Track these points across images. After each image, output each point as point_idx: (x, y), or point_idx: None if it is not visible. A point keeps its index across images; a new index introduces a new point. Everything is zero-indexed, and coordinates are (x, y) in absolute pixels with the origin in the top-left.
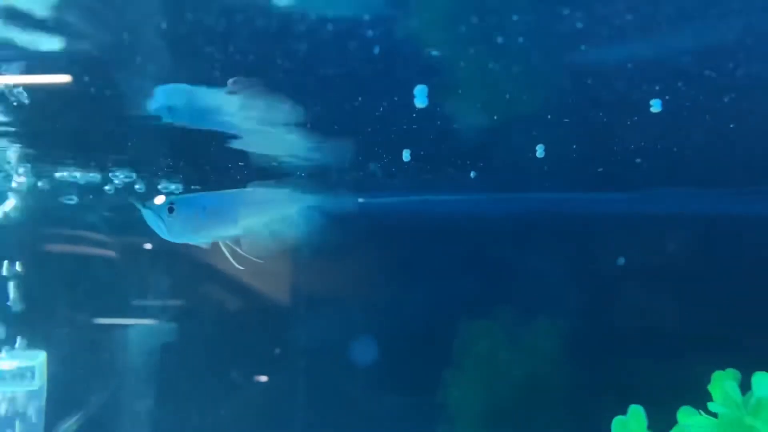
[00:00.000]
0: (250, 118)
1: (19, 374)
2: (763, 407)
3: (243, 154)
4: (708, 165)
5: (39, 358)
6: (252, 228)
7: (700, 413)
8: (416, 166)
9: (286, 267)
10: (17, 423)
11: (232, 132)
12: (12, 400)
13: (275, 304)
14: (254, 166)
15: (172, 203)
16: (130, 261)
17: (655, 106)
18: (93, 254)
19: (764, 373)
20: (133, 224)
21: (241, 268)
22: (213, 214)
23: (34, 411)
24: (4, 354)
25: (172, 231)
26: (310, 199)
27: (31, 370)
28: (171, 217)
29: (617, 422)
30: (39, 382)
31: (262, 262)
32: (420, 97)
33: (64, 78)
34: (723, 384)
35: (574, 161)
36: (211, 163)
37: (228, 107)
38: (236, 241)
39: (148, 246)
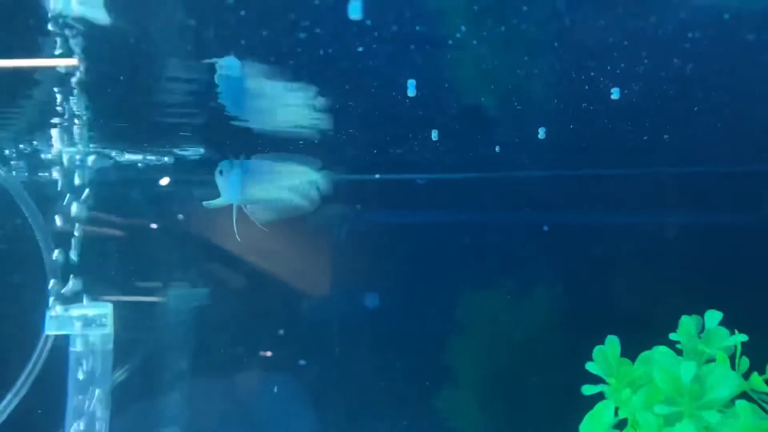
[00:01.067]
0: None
1: (94, 319)
2: (711, 335)
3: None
4: None
5: (108, 309)
6: (271, 194)
7: None
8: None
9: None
10: (91, 359)
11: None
12: (87, 340)
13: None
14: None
15: (231, 167)
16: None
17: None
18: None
19: (715, 310)
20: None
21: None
22: (257, 177)
23: (104, 352)
24: (84, 303)
25: (234, 190)
26: (313, 174)
27: (104, 316)
28: (234, 178)
29: (597, 351)
30: (109, 328)
31: (266, 230)
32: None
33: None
34: (683, 321)
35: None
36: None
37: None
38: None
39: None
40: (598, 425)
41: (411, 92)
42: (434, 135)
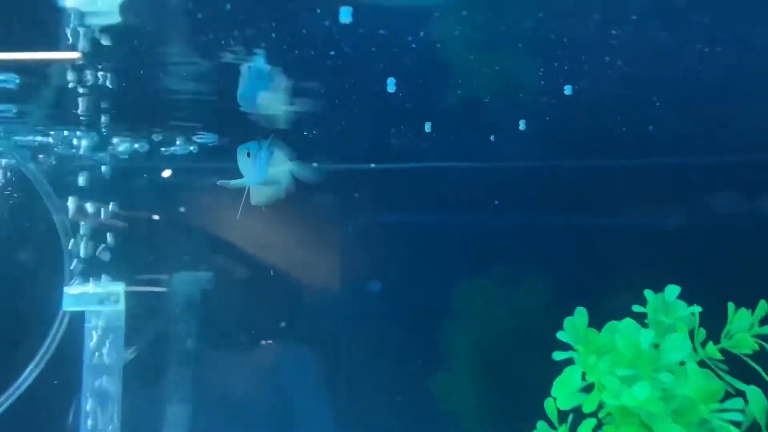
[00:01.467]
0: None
1: (107, 297)
2: (671, 307)
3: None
4: None
5: (120, 288)
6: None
7: None
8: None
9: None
10: (104, 334)
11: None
12: (100, 316)
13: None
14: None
15: (249, 151)
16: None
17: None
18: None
19: (674, 285)
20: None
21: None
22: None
23: (116, 328)
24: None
25: (259, 171)
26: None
27: (116, 294)
28: (260, 159)
29: (567, 321)
30: (121, 305)
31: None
32: None
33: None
34: (647, 294)
35: None
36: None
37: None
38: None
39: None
40: (567, 388)
41: (391, 89)
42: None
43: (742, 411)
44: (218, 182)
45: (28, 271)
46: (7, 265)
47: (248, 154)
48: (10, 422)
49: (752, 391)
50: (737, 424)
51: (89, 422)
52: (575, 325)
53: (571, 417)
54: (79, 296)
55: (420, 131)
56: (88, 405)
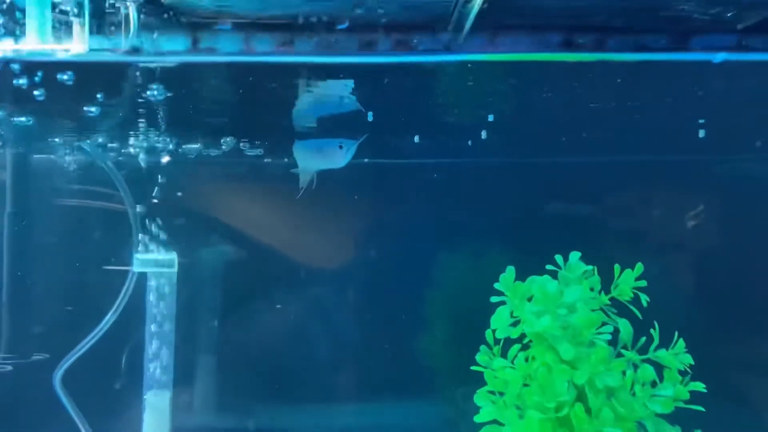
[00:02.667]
0: None
1: (163, 261)
2: (572, 266)
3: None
4: None
5: (174, 255)
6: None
7: None
8: None
9: None
10: (161, 294)
11: None
12: (157, 277)
13: None
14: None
15: (341, 144)
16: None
17: None
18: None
19: (576, 251)
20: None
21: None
22: None
23: (171, 289)
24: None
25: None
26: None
27: (171, 259)
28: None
29: (501, 277)
30: (175, 269)
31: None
32: None
33: None
34: (557, 258)
35: None
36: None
37: None
38: None
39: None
40: (500, 322)
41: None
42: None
43: (611, 333)
44: (292, 171)
45: (110, 241)
46: (95, 237)
47: (340, 146)
48: (93, 358)
49: (623, 323)
50: (609, 342)
51: (151, 356)
52: (506, 278)
53: (501, 343)
54: (144, 260)
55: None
56: (151, 346)
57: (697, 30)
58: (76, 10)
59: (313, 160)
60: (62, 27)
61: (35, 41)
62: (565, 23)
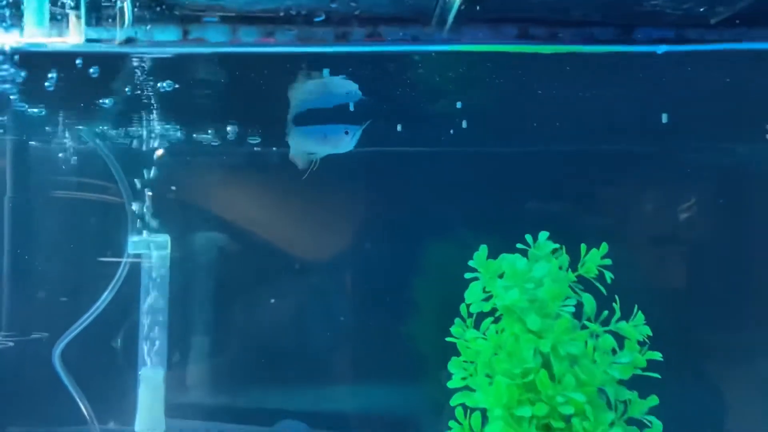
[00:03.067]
0: None
1: (158, 242)
2: (541, 245)
3: None
4: None
5: (167, 238)
6: None
7: None
8: None
9: None
10: (155, 274)
11: None
12: (152, 257)
13: None
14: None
15: (347, 130)
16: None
17: None
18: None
19: (544, 231)
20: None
21: None
22: None
23: (164, 270)
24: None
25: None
26: None
27: (165, 241)
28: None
29: (475, 255)
30: (167, 251)
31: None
32: None
33: None
34: (527, 238)
35: None
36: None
37: None
38: None
39: None
40: (474, 296)
41: None
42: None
43: (576, 307)
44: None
45: (107, 226)
46: (92, 221)
47: (346, 132)
48: (95, 326)
49: (586, 297)
50: (574, 315)
51: (145, 327)
52: (480, 256)
53: (474, 316)
54: (138, 242)
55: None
56: (145, 318)
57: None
58: (72, 3)
59: (318, 145)
60: (62, 19)
61: (33, 32)
62: (550, 17)
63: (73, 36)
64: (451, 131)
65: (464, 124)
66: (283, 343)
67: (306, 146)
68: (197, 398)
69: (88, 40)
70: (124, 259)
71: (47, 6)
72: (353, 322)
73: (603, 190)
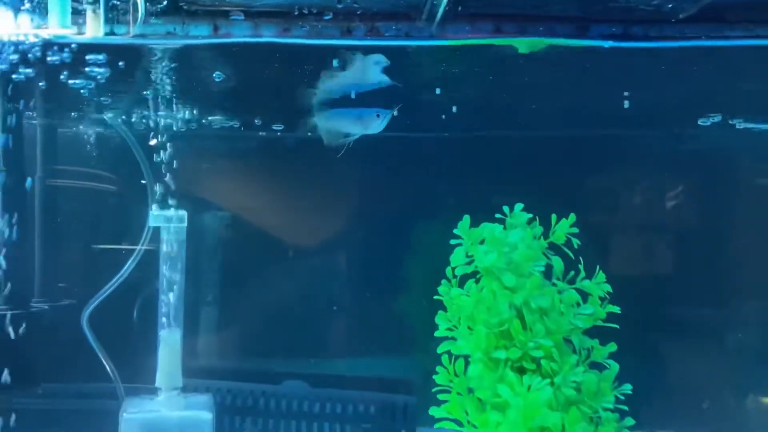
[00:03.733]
0: None
1: (177, 218)
2: (515, 215)
3: None
4: None
5: (185, 213)
6: None
7: None
8: None
9: None
10: (172, 245)
11: None
12: (170, 230)
13: None
14: None
15: (378, 113)
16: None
17: None
18: None
19: (519, 203)
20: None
21: None
22: None
23: (181, 242)
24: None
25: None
26: None
27: (183, 216)
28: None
29: (459, 224)
30: (185, 224)
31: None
32: None
33: None
34: (505, 209)
35: None
36: None
37: None
38: None
39: None
40: (458, 260)
41: None
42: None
43: (544, 266)
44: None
45: (129, 199)
46: (117, 196)
47: (378, 115)
48: (119, 292)
49: (556, 260)
50: (544, 274)
51: (164, 294)
52: (463, 225)
53: (458, 278)
54: (158, 216)
55: None
56: (163, 286)
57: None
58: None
59: (352, 125)
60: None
61: (57, 26)
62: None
63: (92, 29)
64: (443, 116)
65: (454, 109)
66: (287, 313)
67: (340, 127)
68: (210, 360)
69: (107, 34)
70: (145, 231)
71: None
72: (350, 295)
73: (573, 170)
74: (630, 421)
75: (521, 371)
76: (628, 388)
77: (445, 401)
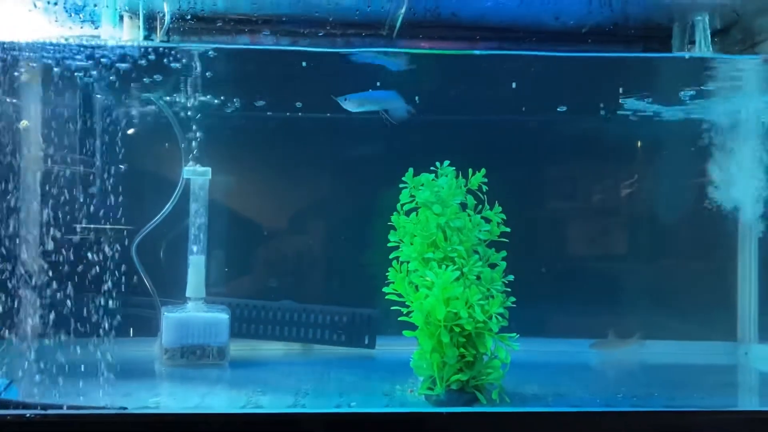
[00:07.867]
0: None
1: (203, 172)
2: (444, 169)
3: None
4: None
5: (209, 170)
6: None
7: None
8: None
9: None
10: (199, 192)
11: None
12: (197, 181)
13: None
14: None
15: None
16: None
17: None
18: None
19: (447, 160)
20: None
21: None
22: None
23: (205, 190)
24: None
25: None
26: None
27: (207, 170)
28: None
29: (406, 175)
30: (209, 176)
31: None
32: None
33: None
34: (438, 165)
35: None
36: None
37: None
38: None
39: None
40: (405, 198)
41: None
42: None
43: (461, 201)
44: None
45: (170, 158)
46: (164, 155)
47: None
48: (160, 226)
49: (469, 198)
50: (460, 206)
51: (193, 228)
52: (408, 175)
53: (404, 210)
54: (189, 170)
55: None
56: (192, 221)
57: None
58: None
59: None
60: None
61: (110, 31)
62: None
63: (130, 34)
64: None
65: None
66: (285, 251)
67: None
68: (227, 283)
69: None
70: (180, 181)
71: (117, 11)
72: (332, 245)
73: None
74: (512, 299)
75: (442, 267)
76: (510, 277)
77: (398, 311)
